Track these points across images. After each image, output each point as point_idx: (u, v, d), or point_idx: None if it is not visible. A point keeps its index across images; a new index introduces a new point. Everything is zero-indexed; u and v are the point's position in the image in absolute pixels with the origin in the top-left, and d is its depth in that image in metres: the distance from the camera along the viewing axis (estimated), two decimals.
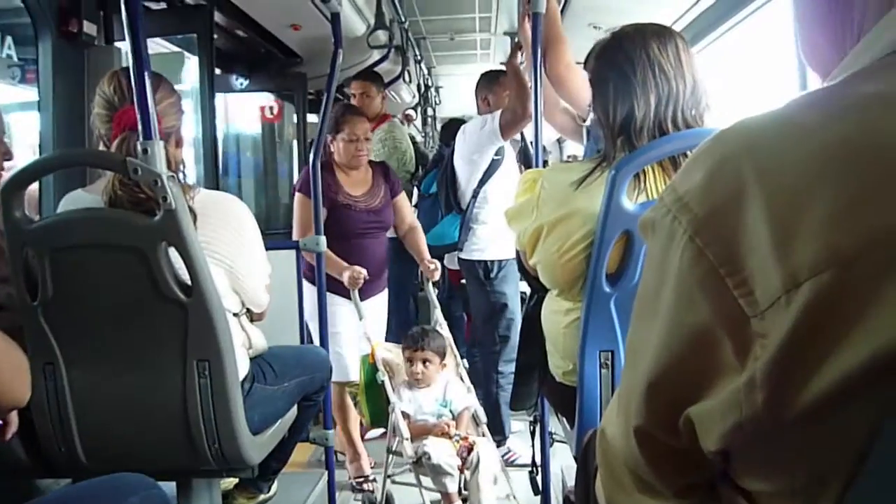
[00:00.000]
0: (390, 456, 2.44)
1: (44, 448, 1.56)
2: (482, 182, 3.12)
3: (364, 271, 2.66)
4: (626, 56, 1.37)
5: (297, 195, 2.80)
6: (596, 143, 2.49)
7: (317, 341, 2.85)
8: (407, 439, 2.27)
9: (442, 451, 2.19)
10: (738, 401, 0.46)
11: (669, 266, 0.50)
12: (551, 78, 2.19)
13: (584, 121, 2.33)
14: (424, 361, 2.45)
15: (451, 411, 2.42)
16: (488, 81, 3.30)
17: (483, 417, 2.46)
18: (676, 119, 1.34)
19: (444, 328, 2.71)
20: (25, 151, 2.69)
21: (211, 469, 1.60)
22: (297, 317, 2.52)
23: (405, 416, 2.38)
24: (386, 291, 3.07)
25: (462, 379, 2.58)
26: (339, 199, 2.81)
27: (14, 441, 1.45)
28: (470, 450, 2.23)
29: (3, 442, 1.21)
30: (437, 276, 2.83)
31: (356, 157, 2.81)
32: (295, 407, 1.92)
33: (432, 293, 2.91)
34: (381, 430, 3.05)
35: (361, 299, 2.84)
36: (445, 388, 2.46)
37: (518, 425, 3.37)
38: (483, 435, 2.41)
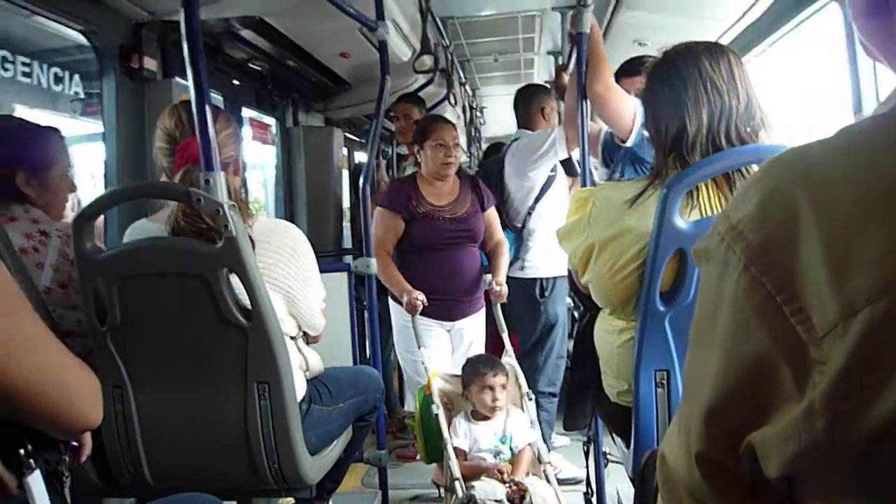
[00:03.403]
0: (451, 495, 2.18)
1: (112, 468, 1.62)
2: (538, 198, 3.09)
3: (423, 297, 2.56)
4: (677, 73, 1.37)
5: (378, 210, 2.77)
6: (613, 165, 2.48)
7: (406, 368, 2.84)
8: (458, 479, 2.08)
9: (490, 494, 2.02)
10: (799, 429, 0.46)
11: (725, 294, 0.50)
12: (590, 97, 2.19)
13: (624, 142, 2.31)
14: (503, 386, 2.26)
15: (510, 448, 2.22)
16: (545, 91, 3.34)
17: (546, 456, 2.24)
18: (730, 134, 1.34)
19: (511, 355, 2.55)
20: (86, 180, 2.81)
21: (270, 488, 1.63)
22: (350, 337, 2.56)
23: (459, 453, 2.20)
24: (483, 312, 2.87)
25: (528, 412, 2.37)
26: (419, 209, 2.72)
27: (85, 461, 1.51)
28: (522, 497, 2.03)
29: (78, 462, 1.26)
30: (503, 298, 2.69)
31: (445, 165, 2.73)
32: (350, 427, 1.94)
33: (501, 317, 2.71)
34: None
35: (452, 319, 2.75)
36: (506, 422, 2.26)
37: (562, 440, 3.33)
38: (545, 473, 2.20)
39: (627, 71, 2.42)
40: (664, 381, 1.41)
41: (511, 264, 3.07)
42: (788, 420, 0.47)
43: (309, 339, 1.78)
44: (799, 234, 0.46)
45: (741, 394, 0.51)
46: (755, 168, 1.34)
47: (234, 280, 1.46)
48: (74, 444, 1.28)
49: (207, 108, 1.44)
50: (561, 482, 2.37)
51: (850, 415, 0.43)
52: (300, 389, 1.64)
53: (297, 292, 1.61)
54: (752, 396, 0.50)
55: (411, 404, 2.77)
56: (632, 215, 1.39)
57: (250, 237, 1.48)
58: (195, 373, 1.54)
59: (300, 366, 1.69)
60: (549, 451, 2.69)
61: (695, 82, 1.35)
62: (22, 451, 0.86)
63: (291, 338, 1.65)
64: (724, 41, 3.20)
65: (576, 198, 1.59)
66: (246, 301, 1.47)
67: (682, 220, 1.30)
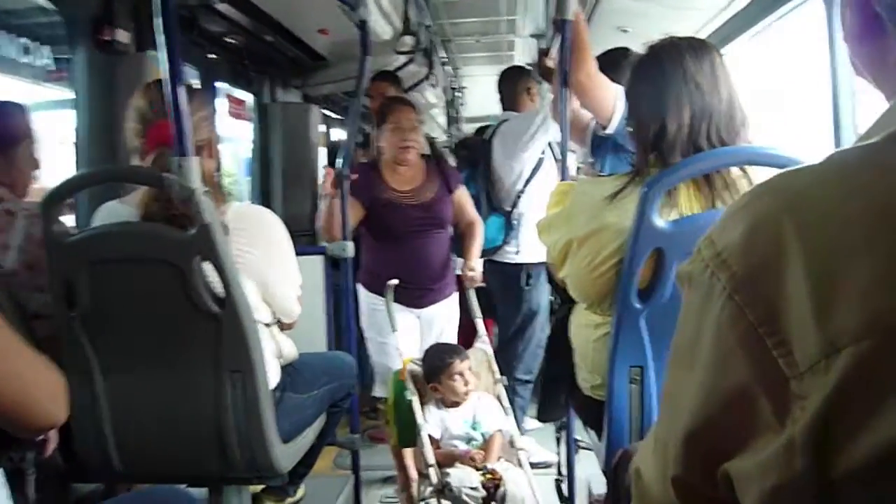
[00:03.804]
0: (423, 481, 2.18)
1: (79, 454, 1.59)
2: (528, 181, 3.05)
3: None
4: (660, 70, 1.36)
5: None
6: (597, 154, 2.47)
7: (373, 352, 2.77)
8: (432, 466, 2.07)
9: (465, 481, 2.00)
10: (778, 462, 0.45)
11: (708, 321, 0.50)
12: (572, 85, 2.17)
13: (605, 128, 2.30)
14: (471, 369, 2.22)
15: (482, 434, 2.20)
16: (529, 73, 3.30)
17: (518, 442, 2.22)
18: (710, 135, 1.33)
19: (485, 342, 2.48)
20: (55, 146, 2.72)
21: (242, 476, 1.62)
22: (325, 322, 2.54)
23: (432, 440, 2.16)
24: (455, 297, 2.80)
25: (500, 399, 2.34)
26: (381, 196, 2.62)
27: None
28: (497, 486, 2.01)
29: (43, 456, 1.23)
30: (476, 283, 2.62)
31: (403, 150, 2.60)
32: (324, 413, 1.94)
33: (474, 302, 2.61)
34: None
35: (422, 307, 2.69)
36: (476, 408, 2.23)
37: (534, 423, 3.35)
38: (518, 461, 2.17)
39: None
40: (638, 378, 1.42)
41: (499, 249, 3.04)
42: (767, 453, 0.46)
43: (283, 326, 1.76)
44: (784, 265, 0.45)
45: (720, 422, 0.50)
46: (735, 170, 1.34)
47: (207, 267, 1.43)
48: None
49: (181, 88, 1.40)
50: (533, 465, 2.38)
51: (831, 452, 0.43)
52: (274, 377, 1.63)
53: (271, 279, 1.58)
54: (731, 425, 0.49)
55: (379, 388, 2.73)
56: (611, 212, 1.38)
57: (224, 223, 1.45)
58: (166, 360, 1.51)
59: (274, 353, 1.67)
60: (521, 434, 2.65)
61: (678, 80, 1.34)
62: None
63: (266, 325, 1.63)
64: (707, 31, 3.20)
65: (556, 191, 1.58)
66: (219, 289, 1.45)
67: (661, 220, 1.30)
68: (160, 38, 1.40)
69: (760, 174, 1.34)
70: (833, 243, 0.44)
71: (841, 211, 0.45)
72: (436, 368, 2.23)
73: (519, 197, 3.06)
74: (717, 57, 1.39)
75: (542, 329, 3.15)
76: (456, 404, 2.23)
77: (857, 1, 0.53)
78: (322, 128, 5.05)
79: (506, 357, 3.07)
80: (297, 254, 1.75)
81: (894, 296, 0.41)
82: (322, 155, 4.68)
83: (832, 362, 0.42)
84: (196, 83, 3.37)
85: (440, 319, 2.76)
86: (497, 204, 3.07)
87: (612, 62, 2.25)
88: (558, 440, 2.39)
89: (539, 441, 3.18)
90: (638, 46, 1.48)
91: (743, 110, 1.36)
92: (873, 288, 0.42)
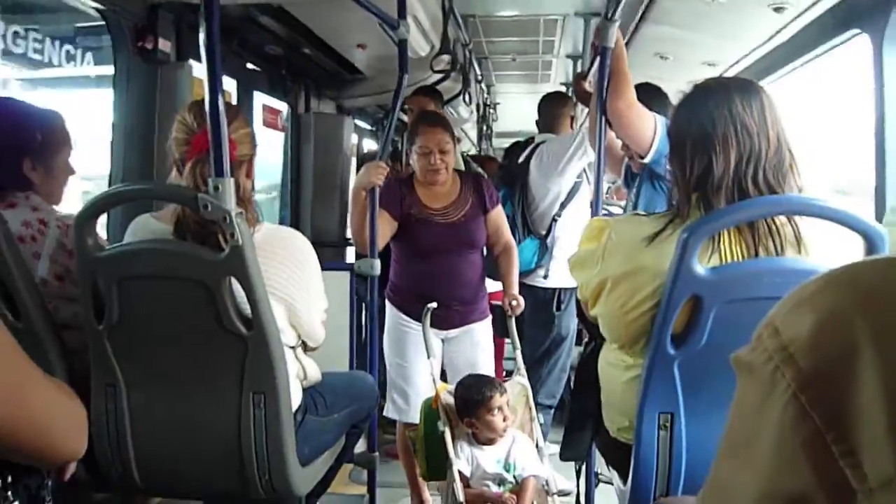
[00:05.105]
0: None
1: (100, 465, 1.59)
2: (563, 205, 3.03)
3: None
4: (707, 111, 1.33)
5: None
6: (630, 186, 2.43)
7: (392, 372, 2.67)
8: None
9: None
10: None
11: (768, 418, 0.47)
12: (610, 113, 2.13)
13: (643, 158, 2.26)
14: (508, 403, 2.10)
15: (514, 476, 2.07)
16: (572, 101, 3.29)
17: (554, 487, 2.10)
18: (757, 180, 1.29)
19: (523, 375, 2.37)
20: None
21: (259, 498, 1.61)
22: (348, 340, 2.53)
23: (462, 478, 2.03)
24: (488, 321, 2.69)
25: (536, 440, 2.22)
26: (412, 212, 2.54)
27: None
28: None
29: (62, 481, 1.22)
30: (518, 311, 2.51)
31: (431, 172, 2.52)
32: (343, 435, 1.92)
33: (514, 332, 2.51)
34: None
35: (447, 328, 2.58)
36: (510, 448, 2.09)
37: (552, 447, 3.30)
38: None
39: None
40: (667, 424, 1.38)
41: (532, 272, 3.02)
42: None
43: (307, 348, 1.75)
44: (857, 369, 0.42)
45: None
46: (781, 217, 1.30)
47: (236, 288, 1.43)
48: None
49: (220, 100, 1.39)
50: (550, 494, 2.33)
51: None
52: (296, 399, 1.62)
53: (298, 303, 1.58)
54: None
55: (392, 410, 2.64)
56: (649, 253, 1.34)
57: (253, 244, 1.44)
58: (191, 378, 1.51)
59: (297, 375, 1.66)
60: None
61: (724, 121, 1.31)
62: (0, 482, 0.83)
63: (290, 347, 1.62)
64: (747, 62, 3.15)
65: (590, 226, 1.54)
66: (247, 309, 1.44)
67: (700, 266, 1.26)
68: (203, 53, 1.40)
69: (806, 222, 1.30)
70: None
71: None
72: (473, 402, 2.08)
73: (555, 221, 3.03)
74: (766, 98, 1.35)
75: (567, 354, 3.12)
76: (490, 441, 2.10)
77: None
78: (354, 138, 5.07)
79: (529, 381, 3.03)
80: (325, 269, 1.73)
81: None
82: (353, 165, 4.70)
83: None
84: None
85: (465, 344, 2.64)
86: (532, 227, 3.05)
87: (647, 95, 2.22)
88: (578, 472, 2.34)
89: (557, 468, 3.13)
90: (677, 74, 1.45)
91: (792, 153, 1.32)
92: None
